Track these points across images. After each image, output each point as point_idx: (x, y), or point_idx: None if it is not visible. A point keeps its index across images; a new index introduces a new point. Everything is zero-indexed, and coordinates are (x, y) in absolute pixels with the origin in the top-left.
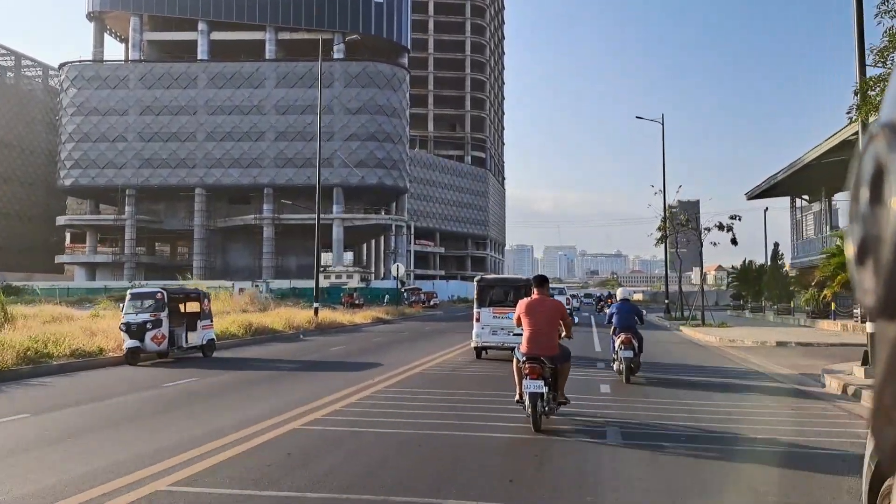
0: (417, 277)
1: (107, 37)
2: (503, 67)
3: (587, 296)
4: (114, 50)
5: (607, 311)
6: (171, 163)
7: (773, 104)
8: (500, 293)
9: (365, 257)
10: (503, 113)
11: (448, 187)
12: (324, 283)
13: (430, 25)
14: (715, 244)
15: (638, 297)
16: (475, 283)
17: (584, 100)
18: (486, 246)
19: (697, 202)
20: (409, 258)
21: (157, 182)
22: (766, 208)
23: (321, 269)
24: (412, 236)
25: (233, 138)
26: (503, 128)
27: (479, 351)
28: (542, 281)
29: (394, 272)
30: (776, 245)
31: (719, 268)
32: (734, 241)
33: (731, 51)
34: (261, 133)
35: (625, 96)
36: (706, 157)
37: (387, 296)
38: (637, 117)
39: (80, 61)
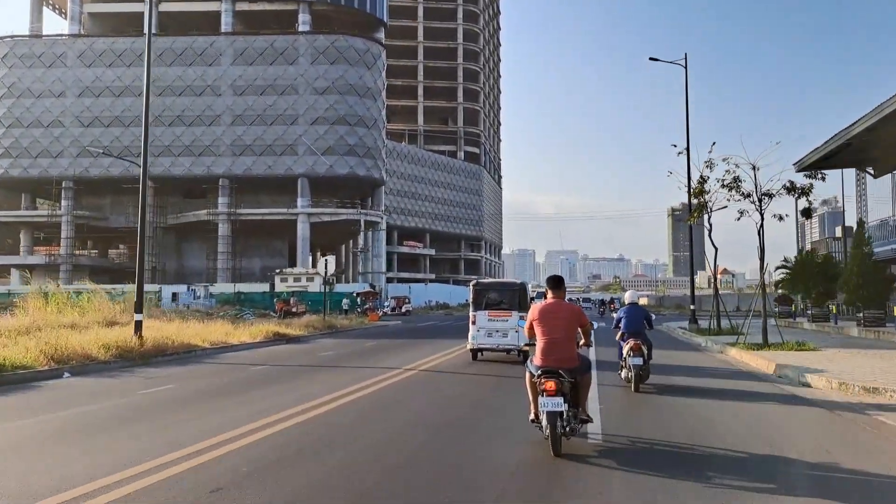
0: (404, 281)
1: (47, 11)
2: (499, 59)
3: (586, 300)
4: (56, 26)
5: (614, 315)
6: (114, 150)
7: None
8: (496, 297)
9: (344, 259)
10: (499, 107)
11: (439, 184)
12: (280, 286)
13: (420, 12)
14: (781, 218)
15: (644, 301)
16: (471, 287)
17: (583, 98)
18: (481, 248)
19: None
20: (387, 259)
21: (98, 172)
22: (800, 191)
23: (277, 271)
24: (382, 234)
25: (183, 122)
26: (499, 123)
27: (475, 353)
28: (557, 283)
29: (321, 269)
30: (860, 223)
31: (724, 271)
32: (806, 213)
33: (767, 33)
34: (215, 116)
35: (627, 93)
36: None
37: (345, 301)
38: (651, 59)
39: (10, 37)
